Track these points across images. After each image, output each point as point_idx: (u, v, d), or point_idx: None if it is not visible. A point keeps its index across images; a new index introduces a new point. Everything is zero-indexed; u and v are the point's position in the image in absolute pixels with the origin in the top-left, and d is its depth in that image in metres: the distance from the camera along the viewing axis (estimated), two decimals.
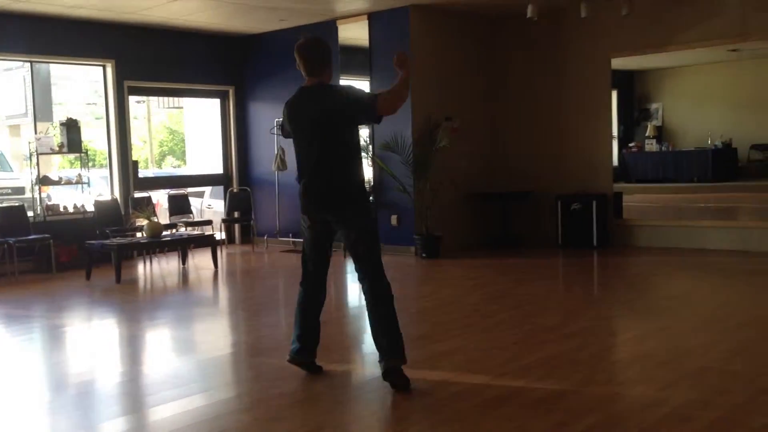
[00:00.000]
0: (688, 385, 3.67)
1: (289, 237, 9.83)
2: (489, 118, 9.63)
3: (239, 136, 10.56)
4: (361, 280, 3.85)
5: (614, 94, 16.11)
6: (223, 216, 10.35)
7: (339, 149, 3.78)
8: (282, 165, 9.57)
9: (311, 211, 3.86)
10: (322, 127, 3.75)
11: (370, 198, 7.76)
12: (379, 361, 3.78)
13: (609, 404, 3.47)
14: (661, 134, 16.80)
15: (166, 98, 13.95)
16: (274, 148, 9.77)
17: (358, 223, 3.80)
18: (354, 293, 7.27)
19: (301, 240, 4.03)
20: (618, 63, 9.29)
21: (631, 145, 16.56)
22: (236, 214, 10.29)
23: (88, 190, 9.01)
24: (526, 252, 8.72)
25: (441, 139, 8.50)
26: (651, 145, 16.52)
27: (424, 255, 8.49)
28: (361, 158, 3.90)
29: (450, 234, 8.84)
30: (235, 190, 10.37)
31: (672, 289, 6.57)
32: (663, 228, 8.68)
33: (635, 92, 17.07)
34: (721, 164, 14.79)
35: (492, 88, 9.60)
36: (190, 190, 10.44)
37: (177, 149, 11.34)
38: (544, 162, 9.30)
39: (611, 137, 9.07)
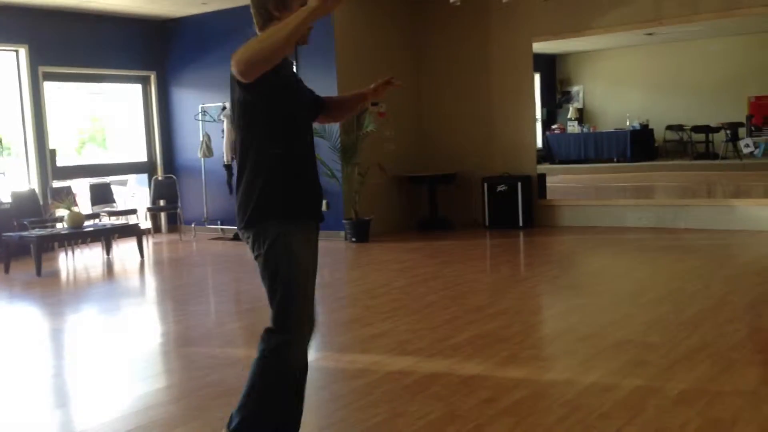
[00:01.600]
0: (608, 358, 3.82)
1: (217, 224, 9.71)
2: (415, 103, 9.71)
3: (163, 123, 10.33)
4: None
5: (537, 78, 16.47)
6: (148, 205, 10.13)
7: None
8: (208, 152, 9.42)
9: (318, 214, 2.64)
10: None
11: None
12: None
13: (534, 379, 3.58)
14: (582, 116, 17.28)
15: (85, 84, 13.51)
16: (199, 134, 9.61)
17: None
18: None
19: (275, 259, 2.45)
20: (540, 47, 9.50)
21: (554, 127, 16.97)
22: (162, 203, 10.09)
23: (3, 180, 8.67)
24: (454, 234, 8.86)
25: (367, 124, 8.53)
26: (573, 127, 16.97)
27: (353, 239, 8.53)
28: None
29: (379, 218, 8.91)
30: (159, 178, 10.16)
31: (593, 267, 6.81)
32: (584, 207, 8.95)
33: (557, 75, 17.49)
34: (638, 145, 15.33)
35: (417, 73, 9.68)
36: (112, 178, 10.17)
37: (98, 137, 11.04)
38: (470, 145, 9.45)
39: (534, 120, 9.28)
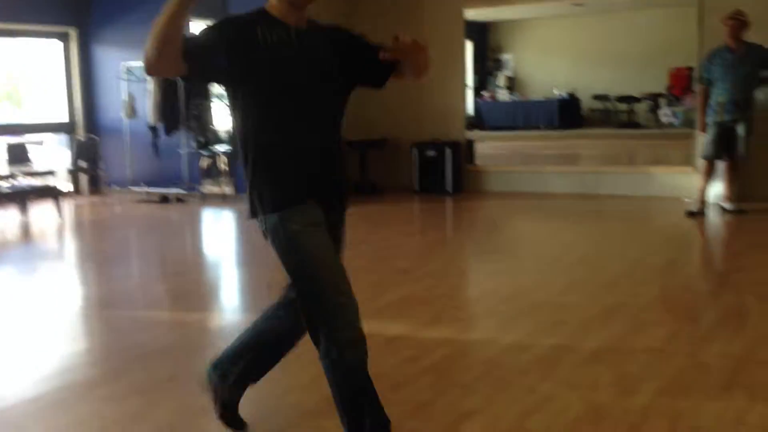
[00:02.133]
0: (527, 318, 3.94)
1: (141, 186, 9.47)
2: None
3: (84, 81, 9.96)
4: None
5: (469, 45, 16.53)
6: (68, 166, 9.80)
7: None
8: (132, 112, 9.15)
9: (324, 195, 2.37)
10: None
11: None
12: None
13: (456, 339, 3.67)
14: (512, 84, 17.50)
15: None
16: (123, 93, 9.31)
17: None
18: (210, 242, 7.17)
19: (281, 252, 2.27)
20: (472, 15, 9.54)
21: (484, 94, 17.13)
22: (83, 164, 9.77)
23: None
24: (384, 199, 8.90)
25: None
26: (503, 95, 17.17)
27: None
28: None
29: None
30: (81, 139, 9.82)
31: (517, 231, 6.96)
32: (511, 173, 9.11)
33: (489, 43, 17.61)
34: (566, 113, 15.65)
35: None
36: (30, 137, 9.77)
37: (14, 95, 10.56)
38: (400, 111, 9.45)
39: (464, 87, 9.34)
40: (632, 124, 14.86)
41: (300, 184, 2.27)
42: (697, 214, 6.80)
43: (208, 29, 2.18)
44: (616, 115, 15.57)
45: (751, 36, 6.67)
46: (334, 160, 2.37)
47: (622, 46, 15.29)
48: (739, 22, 6.58)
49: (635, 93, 14.94)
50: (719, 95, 6.70)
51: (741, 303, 4.10)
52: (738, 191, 7.02)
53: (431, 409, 2.81)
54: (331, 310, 2.24)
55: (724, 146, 6.75)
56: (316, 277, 2.24)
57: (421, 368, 3.24)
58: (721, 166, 6.93)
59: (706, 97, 6.83)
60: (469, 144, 9.36)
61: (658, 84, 14.69)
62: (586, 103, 15.98)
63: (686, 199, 7.27)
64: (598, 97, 15.71)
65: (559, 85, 16.09)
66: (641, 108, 15.10)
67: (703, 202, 6.87)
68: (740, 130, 6.68)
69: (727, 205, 6.94)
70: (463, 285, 5.04)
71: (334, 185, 2.38)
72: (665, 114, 14.15)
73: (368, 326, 3.86)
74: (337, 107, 2.43)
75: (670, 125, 13.65)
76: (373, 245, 6.10)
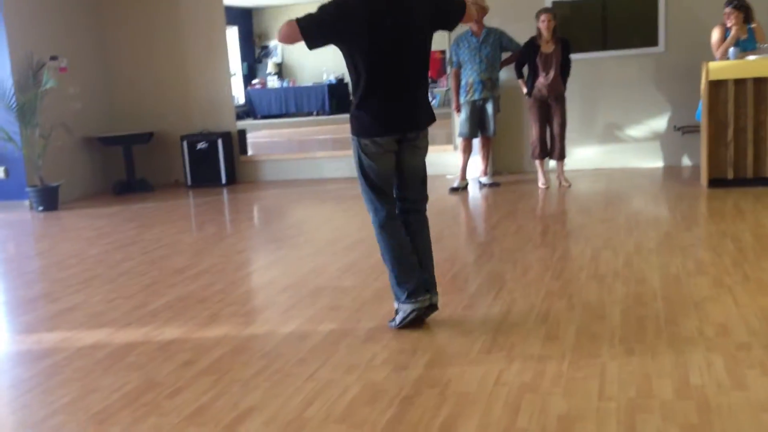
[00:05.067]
0: (306, 306, 3.98)
1: None
2: (102, 57, 9.06)
3: None
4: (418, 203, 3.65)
5: (235, 32, 16.27)
6: None
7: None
8: None
9: (398, 129, 3.46)
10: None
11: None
12: (430, 292, 3.52)
13: (234, 335, 3.61)
14: (282, 70, 17.52)
15: None
16: None
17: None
18: None
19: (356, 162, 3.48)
20: (234, 0, 9.37)
21: (254, 82, 16.99)
22: None
23: None
24: (154, 196, 8.52)
25: (47, 81, 7.77)
26: (273, 82, 17.14)
27: (40, 208, 7.80)
28: None
29: (69, 183, 8.25)
30: None
31: (293, 219, 7.00)
32: (286, 162, 9.14)
33: (255, 29, 17.45)
34: (336, 98, 15.99)
35: (103, 25, 9.01)
36: None
37: None
38: (166, 102, 9.08)
39: (229, 75, 9.17)
40: None
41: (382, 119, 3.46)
42: (460, 190, 7.29)
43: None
44: None
45: (494, 21, 7.23)
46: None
47: None
48: (479, 8, 7.09)
49: None
50: (469, 76, 7.21)
51: (498, 271, 4.46)
52: (492, 166, 7.63)
53: (209, 412, 2.74)
54: (377, 209, 3.53)
55: (477, 124, 7.29)
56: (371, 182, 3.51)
57: (199, 370, 3.15)
58: (477, 142, 7.47)
59: (459, 78, 7.31)
60: (241, 134, 9.23)
61: None
62: None
63: (449, 176, 7.76)
64: None
65: (328, 69, 16.37)
66: None
67: (464, 179, 7.38)
68: (489, 108, 7.24)
69: (484, 179, 7.51)
70: (241, 279, 4.97)
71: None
72: None
73: (140, 333, 3.70)
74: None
75: None
76: (145, 246, 5.83)
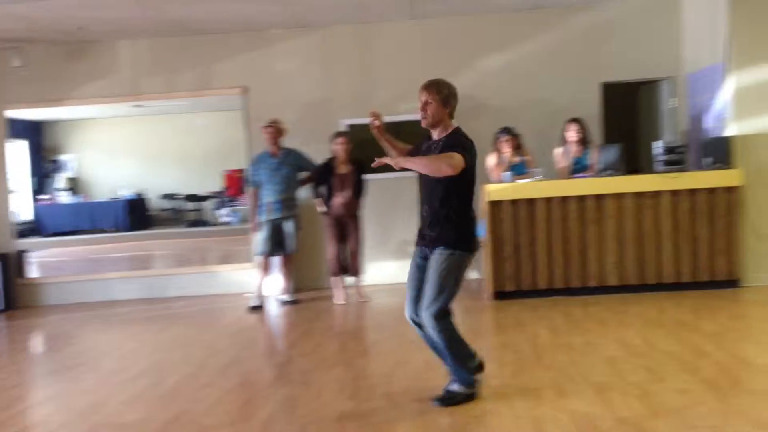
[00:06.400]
0: None
1: None
2: None
3: None
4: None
5: (26, 145, 15.37)
6: None
7: None
8: None
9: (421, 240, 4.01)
10: None
11: None
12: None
13: None
14: (76, 185, 16.68)
15: None
16: None
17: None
18: None
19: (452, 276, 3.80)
20: (23, 113, 8.88)
21: (43, 197, 16.01)
22: None
23: None
24: None
25: None
26: (64, 197, 16.26)
27: None
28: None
29: None
30: None
31: (76, 348, 6.43)
32: (72, 283, 8.53)
33: (45, 143, 16.61)
34: (134, 214, 15.44)
35: None
36: None
37: None
38: None
39: (7, 192, 8.54)
40: (200, 223, 15.29)
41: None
42: (258, 308, 7.19)
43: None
44: (185, 215, 15.87)
45: (293, 142, 7.43)
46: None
47: (185, 146, 15.78)
48: (275, 129, 7.30)
49: (202, 192, 15.47)
50: (267, 196, 7.28)
51: (292, 395, 4.37)
52: (293, 283, 7.63)
53: None
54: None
55: (276, 242, 7.31)
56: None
57: None
58: (276, 260, 7.47)
59: (257, 198, 7.36)
60: (20, 254, 8.55)
61: (220, 184, 15.45)
62: (156, 202, 15.99)
63: (247, 295, 7.64)
64: (167, 196, 15.85)
65: (126, 185, 15.84)
66: (209, 206, 15.66)
67: (261, 297, 7.30)
68: (289, 227, 7.31)
69: (284, 297, 7.47)
70: (10, 419, 4.45)
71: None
72: (224, 214, 14.96)
73: None
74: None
75: (229, 224, 14.42)
76: None
